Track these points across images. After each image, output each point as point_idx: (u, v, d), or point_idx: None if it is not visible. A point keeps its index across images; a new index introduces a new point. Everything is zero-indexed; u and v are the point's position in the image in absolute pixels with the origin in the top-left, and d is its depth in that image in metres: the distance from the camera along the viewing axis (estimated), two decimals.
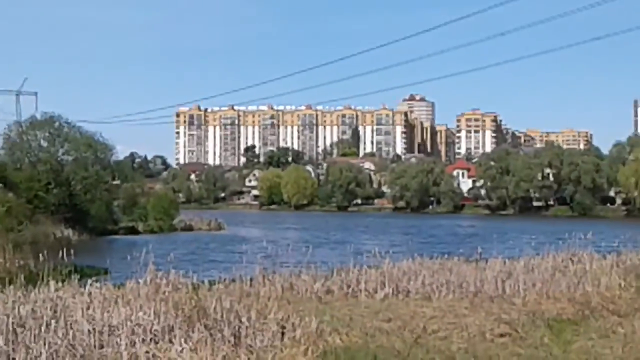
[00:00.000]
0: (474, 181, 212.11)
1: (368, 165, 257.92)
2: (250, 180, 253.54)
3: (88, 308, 17.53)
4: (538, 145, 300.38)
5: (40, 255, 25.88)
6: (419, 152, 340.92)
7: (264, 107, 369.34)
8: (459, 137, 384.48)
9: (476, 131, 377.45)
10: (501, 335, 18.41)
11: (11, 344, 14.74)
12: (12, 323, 15.83)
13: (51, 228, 70.38)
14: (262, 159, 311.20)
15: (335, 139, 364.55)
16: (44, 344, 14.60)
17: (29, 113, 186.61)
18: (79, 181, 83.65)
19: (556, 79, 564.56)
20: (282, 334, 16.89)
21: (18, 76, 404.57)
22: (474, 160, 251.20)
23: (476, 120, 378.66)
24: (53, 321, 16.07)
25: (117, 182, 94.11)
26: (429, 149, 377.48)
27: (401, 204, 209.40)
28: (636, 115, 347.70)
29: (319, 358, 15.28)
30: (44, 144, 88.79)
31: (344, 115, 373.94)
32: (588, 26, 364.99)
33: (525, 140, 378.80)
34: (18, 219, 64.80)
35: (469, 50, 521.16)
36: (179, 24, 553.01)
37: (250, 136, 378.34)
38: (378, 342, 17.23)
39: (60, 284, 21.77)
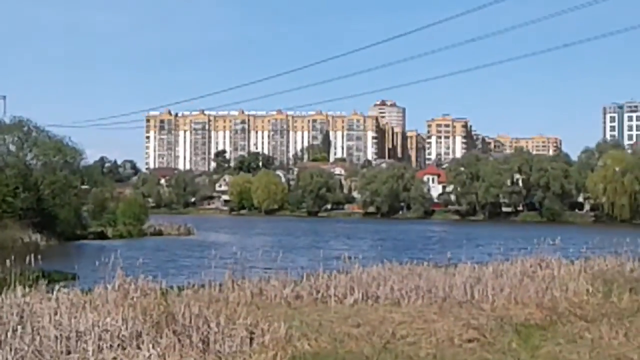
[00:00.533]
0: (444, 187, 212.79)
1: (339, 170, 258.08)
2: (220, 185, 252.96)
3: (55, 313, 17.44)
4: (508, 151, 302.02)
5: (7, 260, 25.67)
6: (389, 157, 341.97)
7: (235, 112, 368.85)
8: (429, 143, 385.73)
9: (446, 137, 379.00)
10: (469, 341, 18.47)
11: None
12: None
13: (19, 233, 69.84)
14: (232, 164, 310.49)
15: (306, 144, 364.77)
16: (10, 350, 14.50)
17: None
18: (47, 186, 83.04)
19: (526, 86, 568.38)
20: (251, 339, 16.87)
21: None
22: (444, 166, 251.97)
23: (446, 125, 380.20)
24: (19, 327, 15.97)
25: (86, 186, 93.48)
26: (399, 155, 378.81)
27: (371, 209, 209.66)
28: (605, 122, 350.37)
29: None
30: (12, 148, 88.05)
31: (314, 120, 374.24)
32: (557, 33, 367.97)
33: (495, 146, 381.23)
34: None
35: (440, 56, 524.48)
36: (150, 28, 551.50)
37: (220, 141, 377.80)
38: (347, 347, 17.24)
39: (27, 289, 21.64)
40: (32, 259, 25.15)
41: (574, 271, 31.55)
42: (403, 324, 19.93)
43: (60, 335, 15.78)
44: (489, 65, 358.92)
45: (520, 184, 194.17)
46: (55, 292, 20.75)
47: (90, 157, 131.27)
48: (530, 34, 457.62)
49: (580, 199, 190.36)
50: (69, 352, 15.36)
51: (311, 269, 30.04)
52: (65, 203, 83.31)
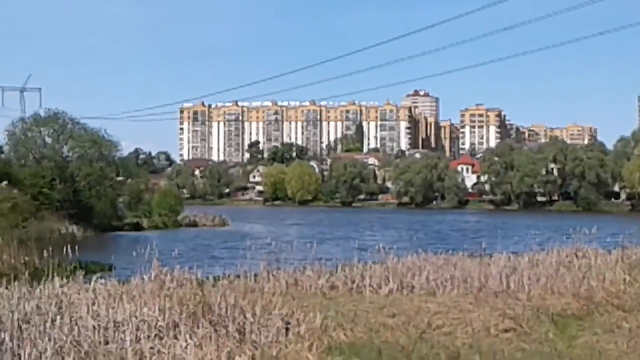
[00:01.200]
0: (478, 177, 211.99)
1: (372, 161, 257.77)
2: (254, 176, 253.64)
3: (93, 304, 17.57)
4: (542, 141, 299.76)
5: (45, 251, 25.96)
6: (423, 147, 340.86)
7: (268, 103, 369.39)
8: (463, 133, 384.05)
9: (480, 127, 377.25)
10: (506, 331, 18.40)
11: (16, 340, 14.77)
12: (18, 319, 15.86)
13: (56, 224, 70.53)
14: (266, 155, 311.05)
15: (339, 134, 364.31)
16: (50, 340, 14.63)
17: (34, 110, 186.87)
18: (83, 178, 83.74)
19: (560, 75, 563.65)
20: (287, 329, 16.91)
21: (22, 73, 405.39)
22: (478, 156, 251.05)
23: (480, 115, 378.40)
24: (58, 317, 16.11)
25: (121, 178, 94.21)
26: (433, 145, 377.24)
27: (405, 199, 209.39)
28: None
29: (323, 354, 15.28)
30: (49, 140, 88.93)
31: (348, 111, 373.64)
32: (592, 21, 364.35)
33: (529, 136, 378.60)
34: (23, 216, 64.97)
35: (473, 45, 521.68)
36: (183, 21, 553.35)
37: (254, 132, 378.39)
38: (383, 337, 17.23)
39: (65, 280, 21.84)
40: (70, 251, 25.36)
41: (611, 261, 31.29)
42: (439, 314, 19.89)
43: (99, 325, 15.91)
44: (523, 54, 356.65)
45: (556, 173, 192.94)
46: (92, 283, 20.91)
47: (125, 149, 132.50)
48: (564, 22, 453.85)
49: (617, 189, 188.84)
50: (107, 343, 15.48)
51: (346, 260, 30.07)
52: (101, 195, 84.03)
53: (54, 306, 17.44)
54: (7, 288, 20.71)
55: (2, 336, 14.71)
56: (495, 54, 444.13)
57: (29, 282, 21.67)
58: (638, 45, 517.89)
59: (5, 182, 71.56)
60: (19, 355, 14.01)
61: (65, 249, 25.69)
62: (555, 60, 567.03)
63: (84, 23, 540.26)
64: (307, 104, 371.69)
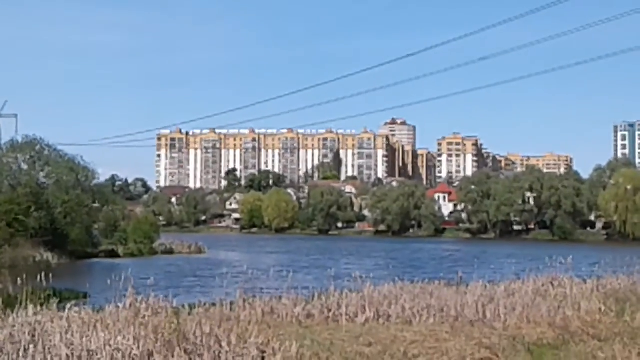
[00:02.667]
0: (455, 205, 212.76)
1: (349, 188, 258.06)
2: (231, 204, 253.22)
3: (67, 332, 17.42)
4: (519, 169, 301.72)
5: (19, 278, 25.68)
6: (400, 175, 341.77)
7: (246, 131, 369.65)
8: (440, 161, 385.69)
9: (457, 155, 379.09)
10: None
11: None
12: None
13: (30, 251, 70.01)
14: (243, 182, 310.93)
15: (316, 162, 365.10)
16: None
17: (9, 136, 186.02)
18: (59, 204, 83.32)
19: (537, 104, 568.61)
20: (263, 358, 16.84)
21: None
22: (455, 184, 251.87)
23: (457, 144, 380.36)
24: (31, 346, 15.98)
25: (97, 205, 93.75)
26: (410, 173, 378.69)
27: (382, 227, 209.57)
28: (616, 140, 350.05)
29: None
30: (24, 166, 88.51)
31: (325, 139, 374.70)
32: (568, 51, 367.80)
33: (506, 164, 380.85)
34: None
35: (450, 74, 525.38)
36: (160, 48, 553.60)
37: (231, 159, 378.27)
38: None
39: (38, 308, 21.63)
40: (44, 278, 25.15)
41: (586, 290, 31.42)
42: (415, 343, 19.85)
43: (72, 354, 15.79)
44: (500, 83, 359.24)
45: (532, 202, 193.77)
46: (66, 311, 20.75)
47: (102, 175, 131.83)
48: (540, 52, 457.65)
49: (592, 218, 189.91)
50: None
51: (322, 288, 30.00)
52: (77, 222, 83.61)
53: (27, 334, 17.27)
54: None
55: None
56: (472, 82, 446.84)
57: (1, 309, 21.47)
58: (613, 75, 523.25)
59: None
60: None
61: (39, 276, 25.47)
62: (531, 89, 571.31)
63: (60, 49, 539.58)
64: (285, 131, 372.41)
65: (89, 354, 15.94)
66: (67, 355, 15.66)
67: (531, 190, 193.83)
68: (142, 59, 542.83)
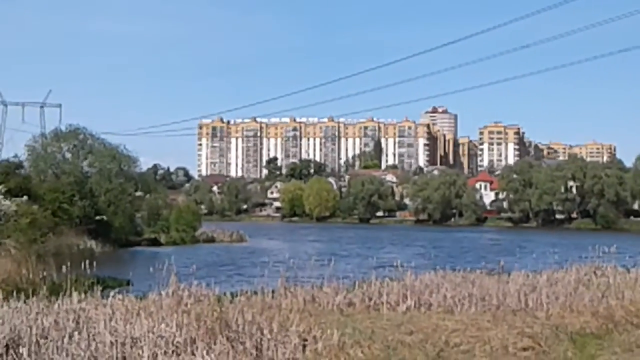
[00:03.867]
0: (496, 194, 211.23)
1: (390, 177, 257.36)
2: (272, 192, 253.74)
3: (111, 320, 17.60)
4: (561, 158, 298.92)
5: (64, 266, 26.02)
6: (441, 164, 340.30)
7: (287, 119, 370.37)
8: (481, 150, 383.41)
9: (499, 143, 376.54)
10: (524, 349, 18.30)
11: (34, 355, 14.81)
12: (36, 334, 15.93)
13: (74, 239, 70.68)
14: (284, 171, 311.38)
15: (357, 151, 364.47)
16: (67, 356, 14.67)
17: (53, 125, 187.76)
18: (102, 193, 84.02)
19: (579, 92, 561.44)
20: (304, 346, 16.87)
21: (42, 88, 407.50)
22: (496, 173, 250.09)
23: (499, 132, 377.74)
24: (76, 332, 16.16)
25: (140, 193, 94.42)
26: (451, 162, 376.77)
27: (423, 216, 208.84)
28: None
29: None
30: (68, 155, 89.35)
31: (366, 127, 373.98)
32: (612, 39, 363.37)
33: (548, 153, 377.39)
34: (42, 231, 65.12)
35: (492, 62, 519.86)
36: (203, 38, 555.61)
37: (272, 148, 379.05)
38: (400, 355, 17.17)
39: (82, 295, 21.91)
40: (88, 265, 25.42)
41: (630, 279, 31.13)
42: (456, 331, 19.81)
43: (116, 341, 15.93)
44: (542, 71, 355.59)
45: (574, 191, 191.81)
46: (110, 298, 20.98)
47: (144, 164, 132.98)
48: (583, 39, 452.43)
49: (636, 206, 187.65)
50: (124, 358, 15.49)
51: (363, 276, 30.01)
52: (120, 210, 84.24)
53: (72, 321, 17.48)
54: (25, 302, 20.80)
55: (20, 351, 14.75)
56: (515, 71, 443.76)
57: (46, 296, 21.75)
58: None
59: (24, 197, 71.81)
60: None
61: (83, 264, 25.75)
62: (574, 77, 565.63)
63: (104, 39, 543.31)
64: (325, 120, 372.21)
65: (133, 341, 16.08)
66: (111, 342, 15.81)
67: (574, 179, 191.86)
68: (184, 49, 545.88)
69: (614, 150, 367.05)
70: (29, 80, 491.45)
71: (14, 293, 23.14)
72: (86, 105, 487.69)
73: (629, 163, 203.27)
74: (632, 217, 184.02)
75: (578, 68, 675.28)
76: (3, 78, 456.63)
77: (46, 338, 15.91)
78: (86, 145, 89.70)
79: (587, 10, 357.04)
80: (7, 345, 15.37)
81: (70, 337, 15.92)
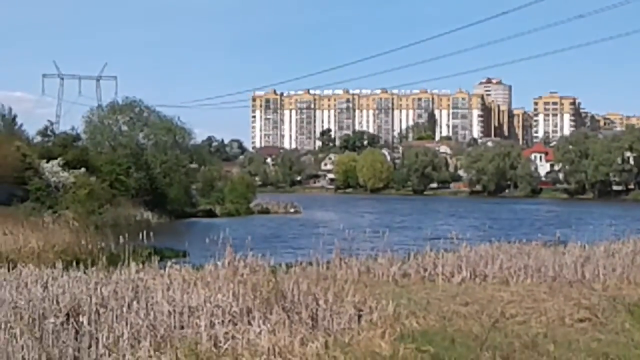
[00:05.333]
0: (551, 165, 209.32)
1: (444, 149, 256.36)
2: (325, 164, 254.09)
3: (168, 289, 17.82)
4: (618, 129, 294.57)
5: (121, 237, 26.39)
6: (495, 135, 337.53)
7: (340, 91, 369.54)
8: (536, 121, 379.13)
9: (554, 115, 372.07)
10: (581, 321, 18.17)
11: (94, 324, 15.05)
12: (95, 303, 16.18)
13: (131, 211, 71.60)
14: (337, 143, 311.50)
15: (410, 122, 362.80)
16: (126, 324, 14.87)
17: (109, 97, 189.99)
18: (158, 165, 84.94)
19: (636, 61, 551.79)
20: (359, 317, 16.94)
21: (98, 61, 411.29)
22: (551, 144, 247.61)
23: (554, 103, 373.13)
24: (134, 302, 16.38)
25: (194, 165, 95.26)
26: (505, 133, 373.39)
27: (478, 187, 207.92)
28: None
29: (396, 341, 15.27)
30: (124, 128, 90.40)
31: (419, 99, 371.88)
32: None
33: (604, 124, 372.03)
34: (99, 202, 66.15)
35: (547, 32, 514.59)
36: (256, 9, 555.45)
37: (325, 120, 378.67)
38: (455, 325, 17.16)
39: (140, 265, 22.23)
40: (145, 236, 25.72)
41: None
42: (512, 303, 19.75)
43: (174, 310, 16.12)
44: (598, 41, 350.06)
45: (632, 161, 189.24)
46: (167, 269, 21.24)
47: (198, 136, 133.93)
48: (638, 8, 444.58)
49: None
50: (182, 327, 15.68)
51: (418, 248, 30.02)
52: (175, 182, 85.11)
53: (130, 291, 17.72)
54: (84, 272, 21.16)
55: (81, 319, 15.00)
56: (570, 41, 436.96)
57: (105, 266, 22.10)
58: None
59: (82, 169, 72.86)
60: (97, 338, 14.26)
61: (140, 235, 26.08)
62: (631, 46, 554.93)
63: (156, 11, 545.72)
64: (379, 92, 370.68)
65: (190, 310, 16.26)
66: (169, 311, 16.01)
67: (631, 149, 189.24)
68: (238, 21, 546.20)
69: None
70: (85, 53, 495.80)
71: (74, 263, 23.54)
72: (141, 78, 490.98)
73: None
74: None
75: (634, 38, 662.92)
76: (59, 51, 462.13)
77: (105, 307, 16.15)
78: (142, 118, 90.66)
79: None
80: (67, 314, 15.64)
81: (129, 306, 16.15)
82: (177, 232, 59.91)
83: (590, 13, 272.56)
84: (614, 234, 35.52)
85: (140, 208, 75.54)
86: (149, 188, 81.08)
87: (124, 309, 16.00)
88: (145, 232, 25.87)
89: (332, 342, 15.09)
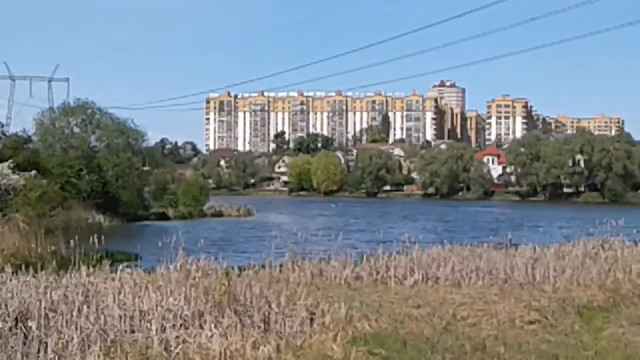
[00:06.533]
0: (504, 167, 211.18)
1: (398, 151, 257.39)
2: (279, 167, 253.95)
3: (119, 293, 17.65)
4: (569, 132, 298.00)
5: (72, 240, 26.11)
6: (449, 138, 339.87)
7: (294, 93, 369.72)
8: (489, 124, 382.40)
9: (506, 117, 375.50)
10: (531, 322, 18.36)
11: (43, 329, 14.88)
12: (45, 308, 15.98)
13: (83, 214, 70.89)
14: (291, 145, 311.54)
15: (365, 125, 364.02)
16: (76, 329, 14.73)
17: (61, 99, 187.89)
18: (110, 167, 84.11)
19: (588, 65, 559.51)
20: (312, 320, 16.95)
21: (50, 63, 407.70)
22: (504, 147, 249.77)
23: (506, 106, 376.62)
24: (85, 306, 16.21)
25: (147, 168, 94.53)
26: (459, 135, 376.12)
27: (431, 190, 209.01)
28: None
29: (348, 344, 15.31)
30: (76, 130, 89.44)
31: (373, 102, 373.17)
32: (620, 11, 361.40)
33: (556, 127, 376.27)
34: (50, 205, 65.32)
35: (500, 35, 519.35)
36: (211, 11, 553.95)
37: (280, 122, 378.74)
38: (407, 328, 17.24)
39: (91, 269, 22.00)
40: (96, 240, 25.48)
41: (637, 253, 31.24)
42: (464, 305, 19.89)
43: (124, 314, 16.00)
44: (550, 44, 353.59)
45: (582, 164, 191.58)
46: (118, 272, 21.05)
47: (152, 138, 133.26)
48: (591, 12, 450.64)
49: None
50: (133, 331, 15.57)
51: (371, 250, 30.09)
52: (128, 184, 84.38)
53: (81, 295, 17.53)
54: (34, 276, 20.89)
55: (29, 324, 14.82)
56: (523, 44, 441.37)
57: (55, 270, 21.84)
58: None
59: (33, 172, 71.98)
60: (45, 343, 14.11)
61: (91, 238, 25.83)
62: (582, 50, 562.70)
63: (111, 12, 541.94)
64: (333, 94, 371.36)
65: (141, 314, 16.15)
66: (119, 315, 15.89)
67: (581, 152, 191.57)
68: (191, 23, 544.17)
69: (622, 123, 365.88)
70: (37, 54, 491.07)
71: (23, 267, 23.24)
72: (94, 80, 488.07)
73: (637, 136, 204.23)
74: (639, 191, 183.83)
75: (587, 41, 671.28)
76: (11, 52, 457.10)
77: (55, 312, 15.96)
78: (94, 120, 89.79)
79: None
80: (16, 319, 15.45)
81: (79, 310, 15.98)
82: (129, 236, 59.48)
83: (543, 16, 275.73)
84: (565, 236, 35.92)
85: (92, 211, 74.84)
86: (101, 191, 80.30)
87: (74, 314, 15.82)
88: (96, 236, 25.62)
89: (284, 346, 15.11)
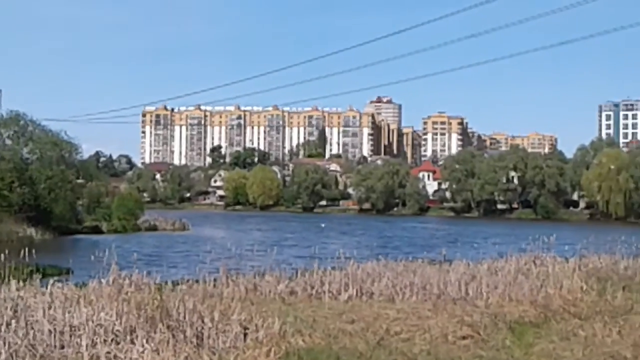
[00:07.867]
0: (439, 183, 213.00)
1: (334, 166, 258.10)
2: (215, 181, 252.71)
3: (49, 308, 17.38)
4: (503, 149, 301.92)
5: (2, 254, 25.63)
6: (385, 154, 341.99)
7: (231, 108, 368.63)
8: (425, 140, 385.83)
9: (442, 134, 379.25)
10: (463, 338, 18.47)
11: None
12: None
13: (14, 227, 69.86)
14: (228, 159, 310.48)
15: (301, 140, 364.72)
16: (4, 344, 14.48)
17: None
18: (43, 180, 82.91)
19: (522, 83, 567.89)
20: (245, 335, 16.86)
21: None
22: (439, 163, 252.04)
23: (442, 123, 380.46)
24: (13, 321, 15.94)
25: (81, 181, 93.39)
26: (395, 151, 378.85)
27: (367, 205, 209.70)
28: (600, 120, 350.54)
29: (281, 359, 15.26)
30: (8, 142, 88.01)
31: (310, 117, 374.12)
32: (553, 31, 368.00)
33: (490, 144, 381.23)
34: None
35: (436, 53, 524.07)
36: (146, 23, 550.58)
37: (216, 136, 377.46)
38: (341, 343, 17.23)
39: (21, 283, 21.61)
40: (27, 253, 25.11)
41: (568, 269, 31.61)
42: (397, 320, 19.93)
43: (54, 329, 15.77)
44: (485, 62, 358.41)
45: (516, 181, 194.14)
46: (49, 287, 20.71)
47: (86, 151, 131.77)
48: (526, 31, 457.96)
49: (575, 197, 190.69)
50: (62, 347, 15.35)
51: (305, 265, 30.06)
52: (61, 197, 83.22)
53: (9, 309, 17.23)
54: None
55: None
56: (458, 61, 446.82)
57: None
58: (599, 55, 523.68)
59: None
60: None
61: (22, 252, 25.43)
62: (517, 68, 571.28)
63: (45, 24, 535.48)
64: (270, 109, 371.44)
65: (72, 329, 15.93)
66: (49, 330, 15.65)
67: (515, 169, 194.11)
68: (128, 34, 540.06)
69: (555, 141, 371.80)
70: None
71: None
72: (27, 91, 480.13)
73: (569, 154, 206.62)
74: (571, 208, 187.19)
75: (521, 59, 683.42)
76: None
77: None
78: (27, 132, 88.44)
79: (530, 2, 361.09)
80: None
81: (8, 325, 15.71)
82: (61, 249, 58.66)
83: (478, 34, 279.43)
84: (498, 252, 36.31)
85: (23, 224, 73.74)
86: (32, 204, 79.11)
87: (2, 328, 15.56)
88: (27, 249, 25.24)
89: None
